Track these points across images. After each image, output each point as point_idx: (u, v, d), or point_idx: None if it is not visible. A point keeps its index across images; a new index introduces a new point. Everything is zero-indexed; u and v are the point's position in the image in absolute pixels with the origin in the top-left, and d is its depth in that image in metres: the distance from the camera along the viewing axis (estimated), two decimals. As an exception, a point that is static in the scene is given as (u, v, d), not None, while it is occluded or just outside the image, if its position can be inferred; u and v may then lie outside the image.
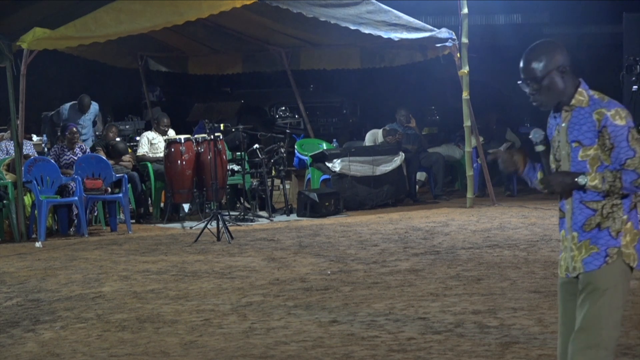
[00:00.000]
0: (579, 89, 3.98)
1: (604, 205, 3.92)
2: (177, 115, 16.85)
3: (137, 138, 13.81)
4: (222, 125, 12.94)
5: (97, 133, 15.08)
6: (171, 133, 13.49)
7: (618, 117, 3.90)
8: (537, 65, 3.99)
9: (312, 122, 16.96)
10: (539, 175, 4.13)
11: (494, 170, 13.94)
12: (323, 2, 12.94)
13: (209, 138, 11.92)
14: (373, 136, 14.47)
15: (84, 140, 13.54)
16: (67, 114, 14.41)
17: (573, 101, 3.98)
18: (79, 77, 19.58)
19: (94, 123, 14.98)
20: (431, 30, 13.30)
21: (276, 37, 15.26)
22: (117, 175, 12.16)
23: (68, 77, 19.91)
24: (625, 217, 3.91)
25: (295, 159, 15.05)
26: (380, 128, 14.56)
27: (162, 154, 12.75)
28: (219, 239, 10.69)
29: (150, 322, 6.88)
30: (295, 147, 15.13)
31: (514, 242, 9.99)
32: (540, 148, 4.11)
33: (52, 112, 15.16)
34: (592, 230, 3.93)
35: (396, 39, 13.09)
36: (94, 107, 14.78)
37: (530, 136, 4.25)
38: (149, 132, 13.62)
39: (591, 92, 3.99)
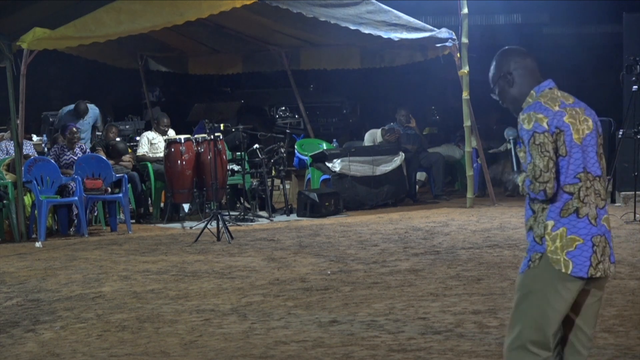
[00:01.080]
0: (532, 92, 4.01)
1: (539, 207, 3.95)
2: (177, 115, 16.85)
3: (137, 138, 13.81)
4: (222, 125, 12.93)
5: (97, 133, 15.07)
6: (171, 133, 13.49)
7: (527, 121, 3.89)
8: (489, 76, 4.11)
9: (312, 122, 16.96)
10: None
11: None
12: (323, 2, 12.94)
13: (209, 138, 11.92)
14: (372, 136, 14.48)
15: None
16: (64, 119, 14.36)
17: (524, 104, 4.03)
18: (79, 77, 19.58)
19: (94, 127, 14.92)
20: (431, 30, 13.30)
21: (276, 37, 15.26)
22: (117, 175, 12.16)
23: (68, 77, 19.91)
24: (550, 222, 3.88)
25: (295, 159, 15.05)
26: (380, 128, 14.56)
27: (162, 154, 12.75)
28: (219, 239, 10.68)
29: (150, 322, 6.87)
30: (295, 147, 15.13)
31: (514, 242, 9.99)
32: (508, 146, 4.22)
33: (52, 115, 15.14)
34: (528, 232, 3.98)
35: (396, 39, 13.10)
36: (93, 111, 14.71)
37: (505, 134, 4.36)
38: (149, 132, 13.62)
39: (544, 93, 3.98)
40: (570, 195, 3.88)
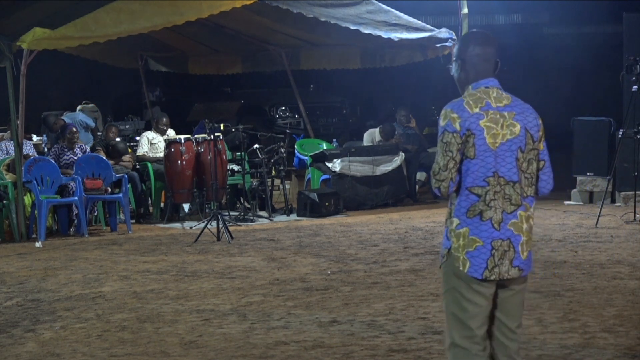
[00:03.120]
0: (469, 86, 4.03)
1: (451, 205, 4.00)
2: (177, 115, 16.87)
3: (137, 138, 13.81)
4: (222, 125, 12.93)
5: (98, 133, 15.07)
6: (171, 133, 13.49)
7: (443, 117, 3.94)
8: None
9: (312, 122, 16.97)
10: None
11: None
12: (323, 2, 12.94)
13: (209, 138, 11.92)
14: (370, 136, 14.49)
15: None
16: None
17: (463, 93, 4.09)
18: (79, 77, 19.59)
19: (89, 129, 14.86)
20: (431, 30, 13.30)
21: (276, 37, 15.26)
22: (117, 175, 12.16)
23: (68, 77, 19.91)
24: (456, 220, 3.93)
25: (295, 159, 15.05)
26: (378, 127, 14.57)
27: (162, 154, 12.75)
28: (219, 239, 10.69)
29: (150, 322, 6.88)
30: (295, 147, 15.13)
31: (514, 242, 9.98)
32: None
33: (52, 114, 15.14)
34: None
35: (396, 39, 13.10)
36: (79, 118, 14.68)
37: None
38: (149, 132, 13.62)
39: (476, 91, 3.99)
40: (478, 197, 3.89)
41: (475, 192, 3.90)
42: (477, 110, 3.91)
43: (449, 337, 3.97)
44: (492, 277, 3.90)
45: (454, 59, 4.07)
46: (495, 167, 3.89)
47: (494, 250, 3.89)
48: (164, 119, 13.55)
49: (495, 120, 3.91)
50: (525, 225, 3.96)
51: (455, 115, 3.89)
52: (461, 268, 3.90)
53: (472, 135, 3.87)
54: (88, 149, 12.68)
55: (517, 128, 3.94)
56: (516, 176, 3.93)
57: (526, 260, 3.99)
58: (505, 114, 3.94)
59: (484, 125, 3.89)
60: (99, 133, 14.79)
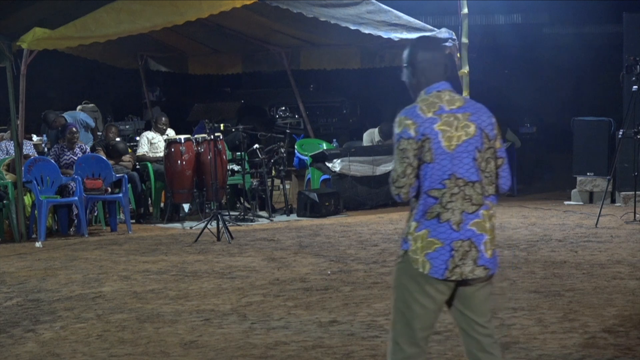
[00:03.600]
0: (422, 92, 4.08)
1: (411, 208, 4.06)
2: (177, 115, 16.85)
3: (137, 138, 13.81)
4: (222, 125, 12.93)
5: (98, 133, 15.06)
6: (171, 133, 13.49)
7: (397, 124, 4.00)
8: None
9: (312, 122, 16.96)
10: None
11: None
12: (323, 2, 12.93)
13: (209, 138, 11.92)
14: (370, 136, 14.49)
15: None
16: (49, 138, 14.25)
17: (416, 99, 4.12)
18: (79, 77, 19.59)
19: (89, 129, 14.80)
20: (431, 30, 13.30)
21: (276, 37, 15.26)
22: (117, 175, 12.16)
23: (68, 77, 19.92)
24: (414, 223, 3.97)
25: (295, 159, 15.05)
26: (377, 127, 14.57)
27: (162, 154, 12.75)
28: (219, 239, 10.69)
29: (150, 322, 6.87)
30: (295, 147, 15.13)
31: (514, 242, 9.99)
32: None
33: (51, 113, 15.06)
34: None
35: (396, 39, 13.09)
36: (80, 118, 14.58)
37: None
38: (149, 131, 13.61)
39: (428, 96, 4.03)
40: (435, 200, 3.93)
41: (433, 194, 3.94)
42: (430, 114, 3.95)
43: (392, 331, 4.05)
44: (454, 277, 3.94)
45: (405, 65, 4.14)
46: (451, 169, 3.93)
47: (454, 252, 3.93)
48: (163, 119, 13.55)
49: (449, 123, 3.96)
50: (488, 224, 4.02)
51: (409, 122, 3.94)
52: (420, 270, 3.94)
53: (428, 139, 3.91)
54: (88, 149, 12.67)
55: (472, 128, 3.99)
56: (475, 176, 3.97)
57: (491, 259, 4.04)
58: (459, 115, 3.99)
59: (439, 128, 3.93)
60: (99, 133, 14.78)
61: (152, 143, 13.27)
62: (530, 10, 20.72)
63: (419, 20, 13.59)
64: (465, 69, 13.23)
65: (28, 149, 12.93)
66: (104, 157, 12.42)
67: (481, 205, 3.99)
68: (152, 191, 13.08)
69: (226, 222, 10.95)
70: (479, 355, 4.05)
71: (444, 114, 3.96)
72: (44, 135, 15.09)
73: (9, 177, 11.59)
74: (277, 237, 10.98)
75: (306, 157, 14.15)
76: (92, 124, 15.52)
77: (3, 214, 11.45)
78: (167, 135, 13.30)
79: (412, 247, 3.96)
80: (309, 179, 13.75)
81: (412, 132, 3.91)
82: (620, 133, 12.12)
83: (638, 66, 11.71)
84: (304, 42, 15.42)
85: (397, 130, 3.96)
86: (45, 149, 14.03)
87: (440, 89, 4.04)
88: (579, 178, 13.77)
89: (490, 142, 4.04)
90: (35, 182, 11.44)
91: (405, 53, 4.15)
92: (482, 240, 3.99)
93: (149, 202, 13.38)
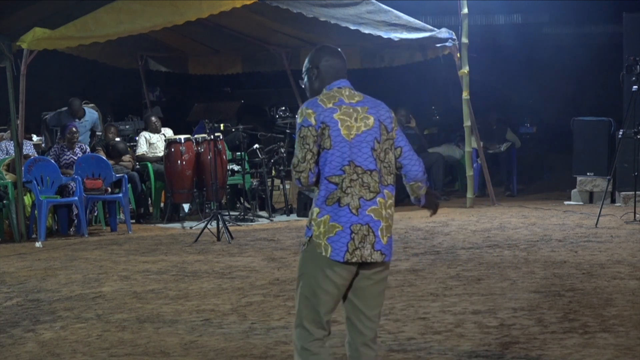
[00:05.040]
0: (324, 89, 4.28)
1: (314, 196, 4.24)
2: (177, 115, 16.84)
3: (137, 138, 13.80)
4: (222, 125, 12.94)
5: (98, 133, 15.02)
6: (168, 132, 13.49)
7: (299, 115, 4.23)
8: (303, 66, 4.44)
9: (312, 122, 16.93)
10: None
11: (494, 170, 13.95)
12: (323, 2, 12.94)
13: (209, 138, 11.92)
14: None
15: None
16: (63, 119, 13.77)
17: None
18: (79, 77, 19.56)
19: (94, 133, 14.66)
20: (431, 30, 13.30)
21: (276, 37, 15.26)
22: (117, 175, 12.16)
23: (68, 77, 19.89)
24: (316, 209, 4.16)
25: (295, 159, 15.03)
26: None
27: (161, 154, 12.75)
28: (219, 239, 10.69)
29: (150, 322, 6.87)
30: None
31: (514, 242, 9.99)
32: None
33: (47, 115, 14.96)
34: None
35: (396, 39, 13.09)
36: (91, 115, 14.16)
37: None
38: (145, 132, 13.61)
39: (329, 92, 4.24)
40: (335, 186, 4.13)
41: (333, 180, 4.12)
42: (330, 105, 4.17)
43: (298, 318, 4.22)
44: (354, 260, 4.10)
45: (309, 67, 4.35)
46: (350, 156, 4.13)
47: (353, 234, 4.10)
48: (152, 118, 13.57)
49: (348, 113, 4.17)
50: (384, 212, 4.19)
51: (310, 111, 4.15)
52: (323, 253, 4.11)
53: (327, 127, 4.12)
54: (88, 149, 12.68)
55: (371, 120, 4.20)
56: (373, 165, 4.16)
57: (387, 246, 4.19)
58: (359, 108, 4.21)
59: (337, 117, 4.14)
60: (98, 133, 14.77)
61: (151, 143, 13.27)
62: (530, 10, 20.68)
63: (419, 20, 13.60)
64: (465, 69, 13.24)
65: (28, 149, 12.93)
66: (104, 157, 12.42)
67: (378, 193, 4.18)
68: (152, 191, 13.08)
69: (226, 222, 10.95)
70: (360, 349, 4.26)
71: (343, 105, 4.18)
72: (43, 136, 15.06)
73: (9, 177, 11.59)
74: (277, 237, 10.98)
75: (306, 157, 14.12)
76: (99, 127, 15.44)
77: (3, 214, 11.45)
78: (164, 134, 13.29)
79: (315, 232, 4.16)
80: (309, 179, 13.73)
81: (312, 121, 4.12)
82: (620, 133, 12.12)
83: (638, 66, 11.71)
84: (304, 42, 15.42)
85: (298, 120, 4.16)
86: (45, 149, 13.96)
87: (340, 86, 4.26)
88: (579, 178, 13.78)
89: (389, 134, 4.24)
90: (35, 182, 11.44)
91: (310, 57, 4.38)
92: (378, 226, 4.15)
93: (149, 202, 13.39)
